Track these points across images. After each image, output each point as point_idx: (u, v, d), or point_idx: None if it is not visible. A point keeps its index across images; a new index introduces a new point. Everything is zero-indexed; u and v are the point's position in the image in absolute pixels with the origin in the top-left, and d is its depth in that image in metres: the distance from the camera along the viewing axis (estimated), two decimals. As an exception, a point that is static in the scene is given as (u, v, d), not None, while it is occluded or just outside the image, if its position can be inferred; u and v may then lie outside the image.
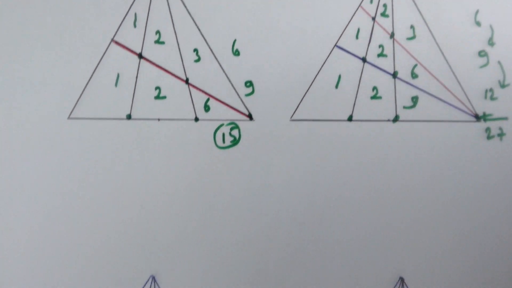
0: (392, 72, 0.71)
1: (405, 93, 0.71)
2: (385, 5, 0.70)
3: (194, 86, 0.70)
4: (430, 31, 0.70)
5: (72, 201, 0.71)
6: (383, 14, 0.70)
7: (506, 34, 0.70)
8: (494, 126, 0.71)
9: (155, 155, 0.71)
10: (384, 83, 0.71)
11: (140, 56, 0.70)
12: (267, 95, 0.70)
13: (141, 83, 0.70)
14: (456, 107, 0.71)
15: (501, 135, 0.71)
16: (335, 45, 0.70)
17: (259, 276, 0.72)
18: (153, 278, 0.72)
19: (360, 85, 0.71)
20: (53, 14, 0.69)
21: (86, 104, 0.70)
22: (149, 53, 0.70)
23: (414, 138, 0.71)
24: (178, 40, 0.70)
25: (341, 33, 0.70)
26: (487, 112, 0.71)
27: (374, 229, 0.72)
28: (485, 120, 0.71)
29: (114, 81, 0.70)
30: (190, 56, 0.70)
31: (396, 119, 0.71)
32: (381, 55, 0.71)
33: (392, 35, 0.70)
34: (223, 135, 0.71)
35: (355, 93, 0.71)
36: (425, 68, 0.71)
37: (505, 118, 0.71)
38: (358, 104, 0.71)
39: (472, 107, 0.71)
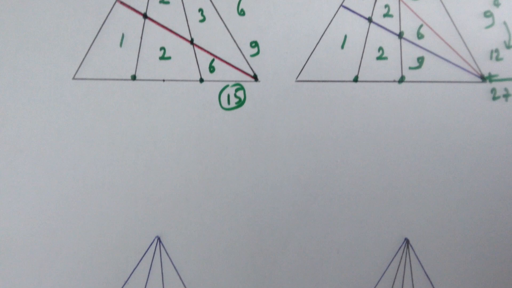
0: (398, 32, 0.70)
1: (411, 53, 0.71)
2: (391, -35, 0.70)
3: (199, 47, 0.70)
4: (436, -9, 0.70)
5: (76, 162, 0.70)
6: (389, -26, 0.70)
7: (512, -6, 0.70)
8: (499, 87, 0.71)
9: (160, 116, 0.70)
10: (390, 43, 0.70)
11: (145, 16, 0.70)
12: (272, 56, 0.70)
13: (145, 43, 0.70)
14: (461, 68, 0.71)
15: (506, 95, 0.71)
16: (341, 5, 0.70)
17: (264, 236, 0.72)
18: (158, 238, 0.72)
19: (366, 45, 0.70)
20: (57, -27, 0.69)
21: (91, 64, 0.70)
22: (153, 13, 0.70)
23: (419, 99, 0.71)
24: (183, 0, 0.70)
25: (346, -7, 0.70)
26: (493, 73, 0.71)
27: (379, 190, 0.72)
28: (490, 81, 0.71)
29: (119, 42, 0.70)
30: (195, 16, 0.70)
31: (401, 80, 0.71)
32: (387, 15, 0.70)
33: (398, -5, 0.70)
34: (228, 96, 0.70)
35: (361, 53, 0.70)
36: (431, 28, 0.70)
37: (511, 79, 0.71)
38: (363, 65, 0.71)
39: (478, 68, 0.71)
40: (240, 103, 0.70)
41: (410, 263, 0.74)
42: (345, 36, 0.70)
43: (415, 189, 0.72)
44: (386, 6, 0.70)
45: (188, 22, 0.70)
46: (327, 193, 0.72)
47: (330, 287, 0.74)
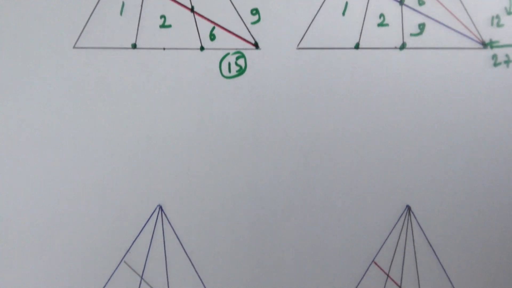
0: (398, -2, 0.70)
1: (412, 20, 0.70)
2: None
3: (199, 15, 0.70)
4: (437, -44, 0.70)
5: (77, 132, 0.70)
6: None
7: (513, -41, 0.70)
8: (500, 53, 0.71)
9: (160, 85, 0.70)
10: (391, 10, 0.70)
11: (144, -17, 0.69)
12: (273, 23, 0.70)
13: (146, 12, 0.70)
14: (462, 34, 0.71)
15: (507, 62, 0.71)
16: (342, -29, 0.70)
17: (265, 205, 0.73)
18: (160, 207, 0.72)
19: (367, 12, 0.70)
20: None
21: (91, 33, 0.70)
22: (153, -19, 0.69)
23: (421, 66, 0.71)
24: (183, -33, 0.69)
25: (347, -41, 0.69)
26: (494, 39, 0.71)
27: (380, 157, 0.72)
28: (491, 47, 0.71)
29: (119, 10, 0.69)
30: (195, -16, 0.70)
31: (403, 46, 0.70)
32: (387, -19, 0.70)
33: (398, -39, 0.70)
34: (229, 64, 0.70)
35: (362, 20, 0.70)
36: (432, -6, 0.70)
37: (512, 45, 0.71)
38: (365, 32, 0.70)
39: (479, 34, 0.71)
40: (241, 71, 0.70)
41: (412, 230, 0.74)
42: (346, 3, 0.70)
43: (416, 156, 0.72)
44: (387, -28, 0.70)
45: (188, -11, 0.70)
46: (328, 161, 0.72)
47: (331, 255, 0.74)
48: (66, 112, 0.70)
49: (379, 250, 0.74)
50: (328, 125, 0.72)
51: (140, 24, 0.70)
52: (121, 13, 0.70)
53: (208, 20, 0.70)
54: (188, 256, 0.73)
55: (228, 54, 0.70)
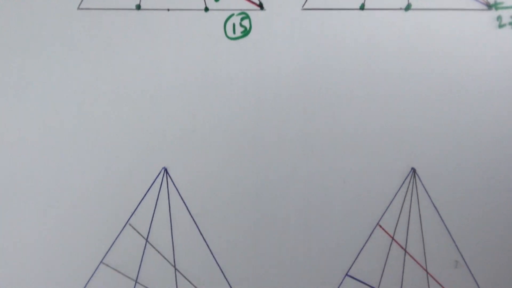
0: (403, -42, 0.70)
1: (416, -20, 0.70)
2: None
3: (204, -25, 0.70)
4: None
5: (82, 93, 0.70)
6: None
7: None
8: (505, 14, 0.71)
9: (165, 46, 0.70)
10: (396, -30, 0.70)
11: None
12: (278, -16, 0.70)
13: (150, -28, 0.69)
14: (467, -5, 0.70)
15: (512, 23, 0.71)
16: None
17: (270, 166, 0.73)
18: (165, 169, 0.72)
19: (372, -28, 0.70)
20: None
21: (95, -6, 0.69)
22: None
23: (426, 27, 0.71)
24: None
25: None
26: (498, 0, 0.71)
27: (386, 120, 0.72)
28: (496, 8, 0.71)
29: (123, -29, 0.69)
30: None
31: (408, 7, 0.70)
32: None
33: None
34: (234, 25, 0.70)
35: (367, -19, 0.70)
36: (437, -46, 0.70)
37: (517, 6, 0.71)
38: (369, -8, 0.70)
39: (484, -6, 0.71)
40: (246, 32, 0.70)
41: (417, 193, 0.74)
42: (351, -37, 0.70)
43: (421, 119, 0.72)
44: None
45: (193, -51, 0.69)
46: (333, 123, 0.72)
47: (336, 218, 0.74)
48: (70, 74, 0.70)
49: (384, 213, 0.74)
50: (332, 87, 0.71)
51: (144, -15, 0.70)
52: (125, -26, 0.69)
53: (213, -20, 0.70)
54: (193, 218, 0.73)
55: (232, 15, 0.70)
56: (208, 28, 0.70)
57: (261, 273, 0.74)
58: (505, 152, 0.73)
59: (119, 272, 0.73)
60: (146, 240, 0.73)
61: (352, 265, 0.75)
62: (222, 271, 0.74)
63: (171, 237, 0.73)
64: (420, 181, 0.74)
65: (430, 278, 0.75)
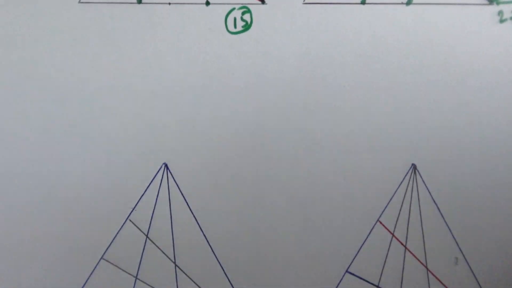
0: (405, -47, 0.70)
1: (418, -25, 0.70)
2: None
3: (205, -31, 0.69)
4: None
5: (82, 86, 0.70)
6: None
7: None
8: (506, 9, 0.71)
9: (166, 40, 0.70)
10: (397, -35, 0.70)
11: None
12: (279, -22, 0.69)
13: (151, -34, 0.69)
14: (469, -10, 0.70)
15: (514, 18, 0.71)
16: None
17: (271, 161, 0.72)
18: (166, 165, 0.72)
19: (373, -33, 0.70)
20: None
21: (96, -13, 0.69)
22: None
23: (427, 21, 0.70)
24: None
25: None
26: (500, -5, 0.71)
27: (387, 116, 0.72)
28: (497, 3, 0.71)
29: (124, -36, 0.69)
30: None
31: (409, 2, 0.70)
32: None
33: None
34: (235, 19, 0.70)
35: (368, -25, 0.70)
36: (438, -51, 0.70)
37: (518, 1, 0.71)
38: (371, -13, 0.70)
39: (485, -10, 0.71)
40: (247, 26, 0.70)
41: (417, 189, 0.74)
42: (353, -42, 0.69)
43: (422, 115, 0.72)
44: None
45: None
46: (334, 118, 0.72)
47: (337, 213, 0.74)
48: (70, 68, 0.69)
49: (384, 209, 0.74)
50: (333, 81, 0.71)
51: (145, -22, 0.69)
52: (125, -32, 0.69)
53: (214, -26, 0.70)
54: (193, 214, 0.73)
55: (233, 9, 0.70)
56: (209, 22, 0.70)
57: (261, 269, 0.74)
58: (506, 148, 0.73)
59: (119, 268, 0.72)
60: (147, 236, 0.73)
61: (352, 262, 0.75)
62: (222, 267, 0.74)
63: (171, 233, 0.73)
64: (421, 177, 0.74)
65: (430, 275, 0.75)
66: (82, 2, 0.69)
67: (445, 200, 0.74)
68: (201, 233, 0.73)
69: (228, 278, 0.74)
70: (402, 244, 0.75)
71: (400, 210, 0.74)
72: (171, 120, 0.71)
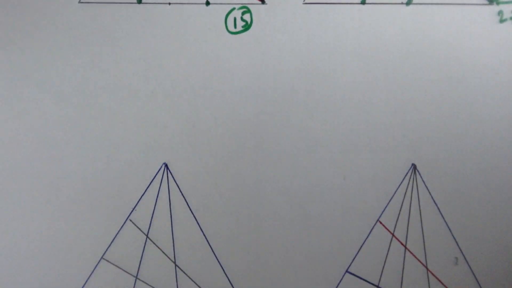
0: (405, -47, 0.70)
1: (418, -25, 0.70)
2: None
3: (205, -31, 0.69)
4: None
5: (82, 87, 0.70)
6: None
7: None
8: (506, 9, 0.71)
9: (166, 40, 0.70)
10: (397, -35, 0.70)
11: None
12: (279, -22, 0.69)
13: (151, -34, 0.69)
14: (469, -10, 0.70)
15: (514, 18, 0.71)
16: None
17: (270, 162, 0.72)
18: (166, 165, 0.72)
19: (373, -33, 0.70)
20: None
21: (95, -13, 0.69)
22: None
23: (427, 21, 0.71)
24: None
25: None
26: (500, -5, 0.71)
27: (387, 116, 0.72)
28: (497, 3, 0.71)
29: (124, -36, 0.69)
30: None
31: (409, 2, 0.70)
32: None
33: None
34: (235, 19, 0.70)
35: (368, -25, 0.70)
36: (438, -51, 0.70)
37: (518, 1, 0.71)
38: (371, -13, 0.70)
39: (485, -10, 0.71)
40: (247, 26, 0.70)
41: (417, 189, 0.74)
42: (352, -42, 0.69)
43: (422, 115, 0.72)
44: None
45: None
46: (334, 118, 0.72)
47: (337, 213, 0.74)
48: (70, 68, 0.69)
49: (384, 209, 0.74)
50: (333, 81, 0.71)
51: (145, -22, 0.69)
52: (125, -32, 0.69)
53: (214, -25, 0.70)
54: (193, 214, 0.73)
55: (233, 9, 0.70)
56: (209, 22, 0.70)
57: (261, 269, 0.74)
58: (506, 148, 0.73)
59: (119, 268, 0.72)
60: (147, 236, 0.73)
61: (352, 262, 0.75)
62: (222, 267, 0.73)
63: (171, 233, 0.73)
64: (421, 177, 0.74)
65: (430, 275, 0.75)
66: (82, 2, 0.69)
67: (445, 200, 0.74)
68: (201, 233, 0.73)
69: (228, 278, 0.74)
70: (402, 244, 0.75)
71: (400, 210, 0.74)
72: (171, 120, 0.71)
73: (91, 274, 0.72)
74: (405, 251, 0.75)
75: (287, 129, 0.72)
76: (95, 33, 0.69)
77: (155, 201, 0.72)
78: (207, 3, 0.69)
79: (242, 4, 0.69)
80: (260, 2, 0.69)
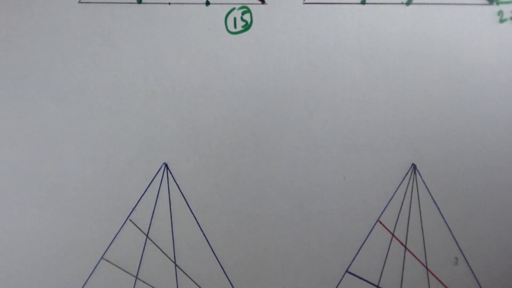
0: (405, -47, 0.70)
1: (418, -25, 0.70)
2: None
3: (205, -31, 0.69)
4: None
5: (82, 87, 0.70)
6: None
7: None
8: (506, 9, 0.71)
9: (165, 40, 0.70)
10: (397, -35, 0.70)
11: None
12: (279, -22, 0.69)
13: (151, -34, 0.69)
14: (469, -10, 0.70)
15: (514, 18, 0.71)
16: None
17: (270, 162, 0.72)
18: (166, 165, 0.72)
19: (373, -33, 0.70)
20: None
21: (95, -13, 0.69)
22: None
23: (427, 21, 0.71)
24: None
25: None
26: (500, -5, 0.71)
27: (386, 116, 0.72)
28: (497, 3, 0.71)
29: (124, -36, 0.69)
30: None
31: (409, 2, 0.70)
32: None
33: None
34: (235, 19, 0.70)
35: (368, -25, 0.70)
36: (438, -51, 0.70)
37: (518, 1, 0.71)
38: (371, -13, 0.70)
39: (485, -10, 0.71)
40: (247, 26, 0.70)
41: (417, 189, 0.74)
42: (352, -42, 0.69)
43: (422, 114, 0.72)
44: None
45: None
46: (334, 118, 0.72)
47: (336, 213, 0.74)
48: (69, 67, 0.69)
49: (384, 209, 0.74)
50: (333, 81, 0.71)
51: (145, -22, 0.69)
52: (125, -32, 0.69)
53: (214, -26, 0.70)
54: (193, 214, 0.73)
55: (233, 9, 0.70)
56: (209, 22, 0.70)
57: (261, 269, 0.74)
58: (506, 148, 0.73)
59: (119, 268, 0.72)
60: (147, 236, 0.73)
61: (352, 262, 0.75)
62: (222, 267, 0.73)
63: (171, 233, 0.73)
64: (421, 177, 0.74)
65: (430, 275, 0.75)
66: (82, 2, 0.69)
67: (445, 200, 0.74)
68: (201, 233, 0.73)
69: (228, 278, 0.74)
70: (402, 244, 0.75)
71: (400, 210, 0.74)
72: (171, 120, 0.71)
73: (91, 274, 0.72)
74: (405, 251, 0.75)
75: (287, 129, 0.72)
76: (95, 33, 0.69)
77: (155, 201, 0.72)
78: (207, 3, 0.69)
79: (242, 4, 0.69)
80: (260, 2, 0.69)
